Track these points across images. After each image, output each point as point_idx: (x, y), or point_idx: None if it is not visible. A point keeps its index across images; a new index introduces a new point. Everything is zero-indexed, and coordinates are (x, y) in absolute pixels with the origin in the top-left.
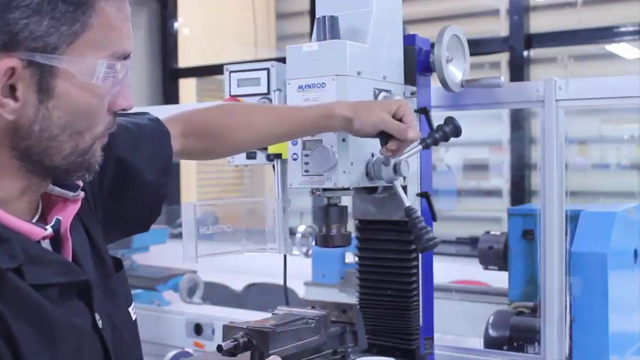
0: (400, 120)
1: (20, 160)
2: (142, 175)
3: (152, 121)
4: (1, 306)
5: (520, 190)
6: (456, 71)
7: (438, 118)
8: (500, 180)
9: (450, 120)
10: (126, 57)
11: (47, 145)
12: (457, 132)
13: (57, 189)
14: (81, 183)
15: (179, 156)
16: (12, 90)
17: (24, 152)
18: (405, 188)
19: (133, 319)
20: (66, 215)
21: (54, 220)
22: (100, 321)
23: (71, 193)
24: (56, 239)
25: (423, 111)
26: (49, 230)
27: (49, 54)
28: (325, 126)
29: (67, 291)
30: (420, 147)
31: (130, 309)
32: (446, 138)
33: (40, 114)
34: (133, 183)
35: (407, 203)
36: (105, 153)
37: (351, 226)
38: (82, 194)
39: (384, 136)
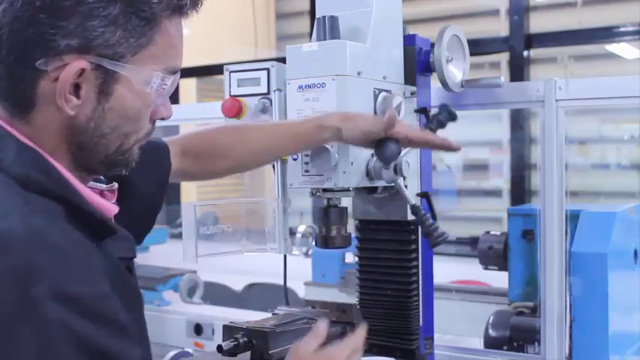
0: (408, 139)
1: (73, 154)
2: (137, 185)
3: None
4: (110, 273)
5: (520, 190)
6: (456, 71)
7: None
8: (500, 180)
9: (443, 107)
10: (176, 72)
11: (97, 142)
12: (452, 117)
13: (91, 182)
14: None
15: (178, 176)
16: (76, 88)
17: (77, 146)
18: (405, 188)
19: None
20: (110, 200)
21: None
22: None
23: (104, 185)
24: None
25: (423, 111)
26: (117, 209)
27: (115, 61)
28: (318, 138)
29: (128, 267)
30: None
31: None
32: (442, 125)
33: (96, 113)
34: (127, 190)
35: (412, 201)
36: None
37: (351, 226)
38: (115, 185)
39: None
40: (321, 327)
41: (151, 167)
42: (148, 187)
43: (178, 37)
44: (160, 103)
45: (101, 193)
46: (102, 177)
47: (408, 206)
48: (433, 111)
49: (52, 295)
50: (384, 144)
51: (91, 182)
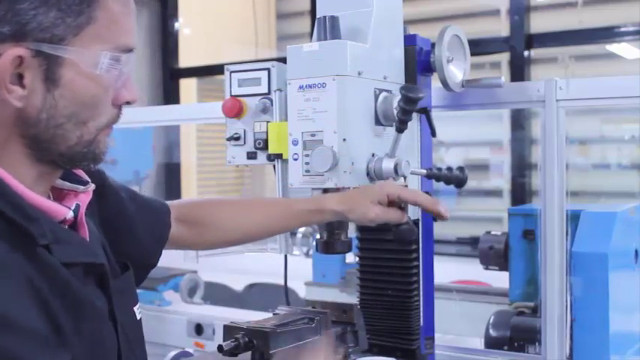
0: (399, 198)
1: (30, 148)
2: (138, 235)
3: (156, 199)
4: (40, 281)
5: (521, 190)
6: (457, 71)
7: (438, 118)
8: (501, 180)
9: (462, 169)
10: (129, 50)
11: (54, 134)
12: (460, 183)
13: (68, 184)
14: (88, 179)
15: (172, 242)
16: (19, 78)
17: (33, 140)
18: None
19: (138, 318)
20: (82, 202)
21: (74, 204)
22: (117, 311)
23: (82, 187)
24: (73, 226)
25: (424, 111)
26: (71, 213)
27: (55, 44)
28: (316, 220)
29: (88, 274)
30: (424, 172)
31: (135, 308)
32: (448, 182)
33: (47, 103)
34: (127, 236)
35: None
36: (111, 196)
37: (352, 225)
38: (92, 186)
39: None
40: None
41: (153, 222)
42: (148, 241)
43: (125, 12)
44: (120, 85)
45: (75, 194)
46: (83, 178)
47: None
48: (434, 111)
49: None
50: (398, 229)
51: (68, 184)
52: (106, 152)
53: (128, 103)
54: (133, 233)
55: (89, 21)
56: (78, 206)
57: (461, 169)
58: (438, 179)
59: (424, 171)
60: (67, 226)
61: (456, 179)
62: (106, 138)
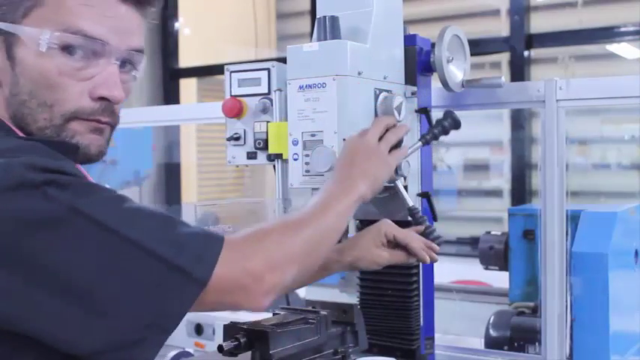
0: (394, 238)
1: (19, 129)
2: None
3: None
4: None
5: (521, 190)
6: (457, 71)
7: (438, 117)
8: (501, 180)
9: (448, 113)
10: (81, 33)
11: (22, 112)
12: (456, 124)
13: None
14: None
15: None
16: None
17: (13, 120)
18: (405, 188)
19: None
20: None
21: None
22: None
23: None
24: None
25: (424, 111)
26: None
27: (8, 23)
28: (323, 275)
29: None
30: (420, 143)
31: None
32: (445, 132)
33: (12, 79)
34: None
35: (410, 203)
36: None
37: (351, 226)
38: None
39: None
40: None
41: None
42: None
43: (80, 3)
44: (98, 78)
45: None
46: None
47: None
48: (434, 111)
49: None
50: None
51: None
52: (92, 148)
53: (106, 99)
54: None
55: (36, 4)
56: None
57: (446, 114)
58: (436, 138)
59: (419, 142)
60: None
61: (450, 126)
62: (88, 132)
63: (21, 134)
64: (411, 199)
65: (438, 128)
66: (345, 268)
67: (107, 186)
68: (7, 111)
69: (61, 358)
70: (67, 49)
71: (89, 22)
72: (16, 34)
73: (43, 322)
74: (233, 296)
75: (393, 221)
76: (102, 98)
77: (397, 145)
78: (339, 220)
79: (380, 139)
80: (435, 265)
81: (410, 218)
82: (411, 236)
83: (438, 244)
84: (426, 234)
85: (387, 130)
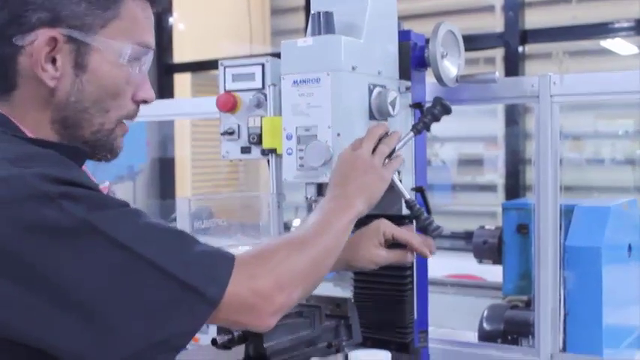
0: (393, 237)
1: (57, 132)
2: None
3: None
4: None
5: (515, 185)
6: (451, 67)
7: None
8: (495, 175)
9: (437, 100)
10: (148, 49)
11: (80, 118)
12: (446, 110)
13: None
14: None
15: None
16: (53, 62)
17: (60, 124)
18: (400, 182)
19: None
20: None
21: None
22: None
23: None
24: None
25: (418, 106)
26: None
27: (85, 32)
28: None
29: None
30: (412, 134)
31: None
32: (436, 119)
33: (75, 87)
34: None
35: (407, 196)
36: None
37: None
38: (107, 183)
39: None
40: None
41: None
42: None
43: (144, 16)
44: (139, 81)
45: None
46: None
47: (403, 201)
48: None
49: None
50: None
51: None
52: (121, 148)
53: (145, 102)
54: None
55: (115, 16)
56: None
57: (435, 100)
58: (427, 127)
59: (411, 133)
60: None
61: (440, 112)
62: (122, 135)
63: (29, 134)
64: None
65: (428, 117)
66: (341, 268)
67: (121, 199)
68: (52, 115)
69: None
70: (136, 60)
71: (150, 35)
72: (90, 44)
73: (51, 335)
74: (242, 315)
75: (387, 215)
76: (143, 101)
77: (390, 154)
78: (339, 238)
79: (373, 150)
80: (429, 259)
81: (408, 211)
82: (410, 234)
83: (439, 235)
84: (425, 226)
85: (379, 140)
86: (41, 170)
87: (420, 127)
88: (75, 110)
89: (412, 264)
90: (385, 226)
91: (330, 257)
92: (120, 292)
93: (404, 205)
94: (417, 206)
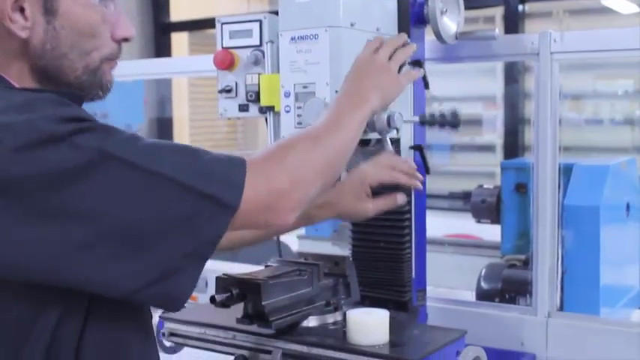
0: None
1: (40, 83)
2: None
3: None
4: None
5: (513, 145)
6: (451, 23)
7: (431, 71)
8: (494, 135)
9: (456, 113)
10: None
11: (59, 64)
12: (455, 125)
13: None
14: None
15: None
16: (22, 11)
17: (42, 73)
18: (398, 141)
19: None
20: None
21: None
22: None
23: None
24: None
25: (417, 63)
26: None
27: None
28: (306, 225)
29: None
30: (417, 119)
31: None
32: (442, 124)
33: (49, 34)
34: None
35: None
36: None
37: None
38: None
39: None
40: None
41: None
42: None
43: None
44: (115, 19)
45: None
46: None
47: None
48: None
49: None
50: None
51: None
52: (112, 83)
53: (126, 39)
54: None
55: None
56: None
57: (454, 114)
58: (431, 124)
59: (416, 118)
60: None
61: (450, 124)
62: (111, 70)
63: (16, 85)
64: (404, 153)
65: (439, 117)
66: (332, 217)
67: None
68: (30, 66)
69: (86, 312)
70: None
71: None
72: None
73: (81, 269)
74: (262, 216)
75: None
76: (123, 39)
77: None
78: (353, 134)
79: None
80: (428, 219)
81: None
82: (395, 174)
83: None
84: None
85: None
86: (47, 112)
87: (427, 120)
88: (53, 58)
89: (410, 222)
90: (367, 175)
91: (345, 153)
92: (143, 212)
93: None
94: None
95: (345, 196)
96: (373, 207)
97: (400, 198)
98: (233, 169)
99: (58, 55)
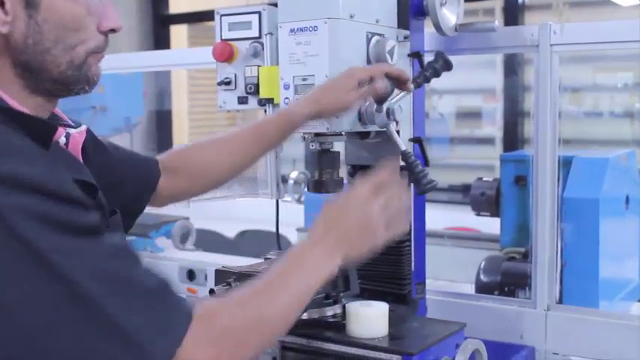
0: (370, 78)
1: (23, 78)
2: (126, 185)
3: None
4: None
5: (513, 138)
6: (450, 15)
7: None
8: (493, 128)
9: (439, 55)
10: None
11: (42, 60)
12: (448, 66)
13: (61, 128)
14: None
15: (163, 195)
16: (2, 5)
17: (23, 68)
18: (397, 133)
19: None
20: (75, 141)
21: (64, 132)
22: None
23: (74, 129)
24: None
25: (417, 55)
26: (63, 139)
27: None
28: (291, 130)
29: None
30: (412, 86)
31: None
32: (437, 74)
33: (31, 28)
34: (116, 186)
35: (403, 147)
36: (99, 148)
37: (343, 171)
38: (84, 127)
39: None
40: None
41: (141, 171)
42: (135, 185)
43: None
44: (101, 10)
45: (67, 135)
46: (72, 122)
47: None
48: (427, 56)
49: None
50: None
51: (61, 128)
52: (98, 76)
53: (113, 30)
54: (122, 183)
55: None
56: (69, 135)
57: (437, 55)
58: (428, 80)
59: (411, 85)
60: None
61: (442, 68)
62: (97, 63)
63: (10, 102)
64: (404, 145)
65: (429, 70)
66: (311, 116)
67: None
68: (12, 61)
69: None
70: None
71: None
72: None
73: None
74: None
75: None
76: (110, 30)
77: (387, 97)
78: (302, 301)
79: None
80: (427, 211)
81: (402, 162)
82: (386, 66)
83: (432, 188)
84: (418, 178)
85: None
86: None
87: (420, 81)
88: (35, 53)
89: (409, 215)
90: (358, 72)
91: (288, 320)
92: (56, 335)
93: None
94: (412, 158)
95: (331, 91)
96: (356, 95)
97: (381, 84)
98: (176, 320)
99: (41, 50)
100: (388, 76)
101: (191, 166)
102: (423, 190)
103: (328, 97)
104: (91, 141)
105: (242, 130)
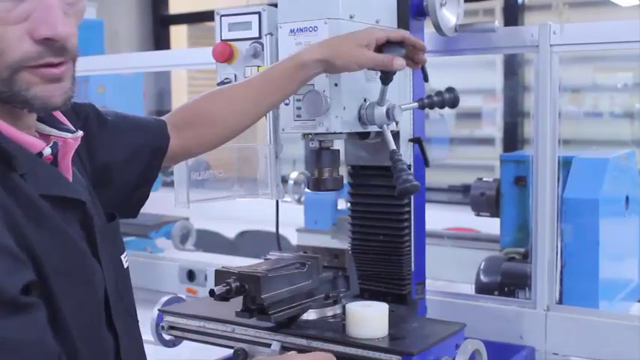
0: (388, 39)
1: None
2: (136, 154)
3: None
4: (13, 207)
5: (513, 138)
6: (450, 15)
7: (431, 64)
8: (493, 128)
9: (451, 90)
10: None
11: None
12: (454, 103)
13: (55, 131)
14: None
15: (176, 154)
16: None
17: None
18: (397, 134)
19: (125, 266)
20: (69, 147)
21: (52, 141)
22: (102, 256)
23: (69, 134)
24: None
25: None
26: (48, 149)
27: None
28: (302, 76)
29: (69, 211)
30: (416, 104)
31: (122, 257)
32: (442, 104)
33: None
34: (122, 152)
35: (392, 147)
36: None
37: (343, 172)
38: (80, 133)
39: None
40: None
41: (149, 134)
42: (145, 153)
43: None
44: (36, 19)
45: (64, 141)
46: (70, 127)
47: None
48: (427, 56)
49: None
50: (402, 187)
51: (55, 132)
52: (45, 96)
53: (50, 40)
54: (134, 155)
55: None
56: (56, 144)
57: (450, 89)
58: (431, 107)
59: (416, 104)
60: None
61: (449, 101)
62: (45, 82)
63: None
64: (403, 145)
65: (438, 97)
66: (321, 64)
67: None
68: None
69: None
70: None
71: None
72: None
73: None
74: None
75: (385, 167)
76: (46, 39)
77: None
78: None
79: None
80: (427, 212)
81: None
82: (404, 33)
83: (412, 188)
84: (399, 176)
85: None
86: None
87: (426, 103)
88: None
89: (409, 215)
90: (377, 32)
91: None
92: None
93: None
94: (398, 158)
95: (345, 41)
96: (370, 56)
97: (398, 61)
98: None
99: None
100: (404, 43)
101: (203, 117)
102: (400, 190)
103: (340, 45)
104: (95, 118)
105: (251, 78)
